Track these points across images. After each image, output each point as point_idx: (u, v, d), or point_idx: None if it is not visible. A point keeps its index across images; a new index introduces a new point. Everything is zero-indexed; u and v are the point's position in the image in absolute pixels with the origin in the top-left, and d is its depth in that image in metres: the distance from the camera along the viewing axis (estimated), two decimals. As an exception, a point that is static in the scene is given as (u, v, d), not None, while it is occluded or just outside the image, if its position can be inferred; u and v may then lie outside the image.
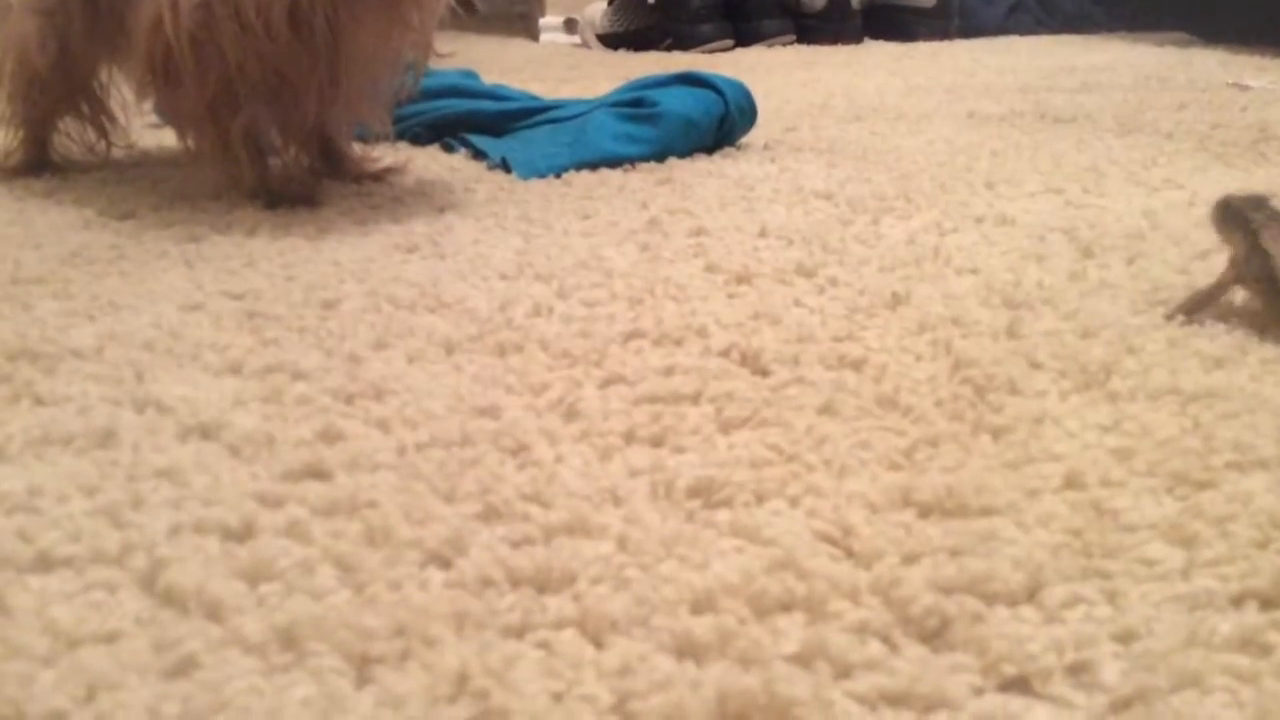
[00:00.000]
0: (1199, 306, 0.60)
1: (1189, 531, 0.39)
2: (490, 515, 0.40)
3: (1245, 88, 1.51)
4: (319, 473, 0.43)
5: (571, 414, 0.49)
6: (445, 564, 0.37)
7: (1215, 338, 0.57)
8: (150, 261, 0.73)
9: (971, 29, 2.50)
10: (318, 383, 0.52)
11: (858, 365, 0.54)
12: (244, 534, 0.39)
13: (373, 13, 0.81)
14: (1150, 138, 1.14)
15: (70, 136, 1.01)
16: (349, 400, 0.50)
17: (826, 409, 0.49)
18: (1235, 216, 0.60)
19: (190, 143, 0.87)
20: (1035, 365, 0.54)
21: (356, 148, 0.98)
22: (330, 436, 0.46)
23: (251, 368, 0.54)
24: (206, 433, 0.47)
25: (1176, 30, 2.34)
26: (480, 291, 0.66)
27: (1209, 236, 0.75)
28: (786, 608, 0.35)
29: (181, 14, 0.77)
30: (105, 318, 0.62)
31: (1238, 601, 0.35)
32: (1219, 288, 0.60)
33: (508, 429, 0.47)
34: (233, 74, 0.80)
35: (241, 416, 0.49)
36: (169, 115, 0.94)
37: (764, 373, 0.54)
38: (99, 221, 0.84)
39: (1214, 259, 0.70)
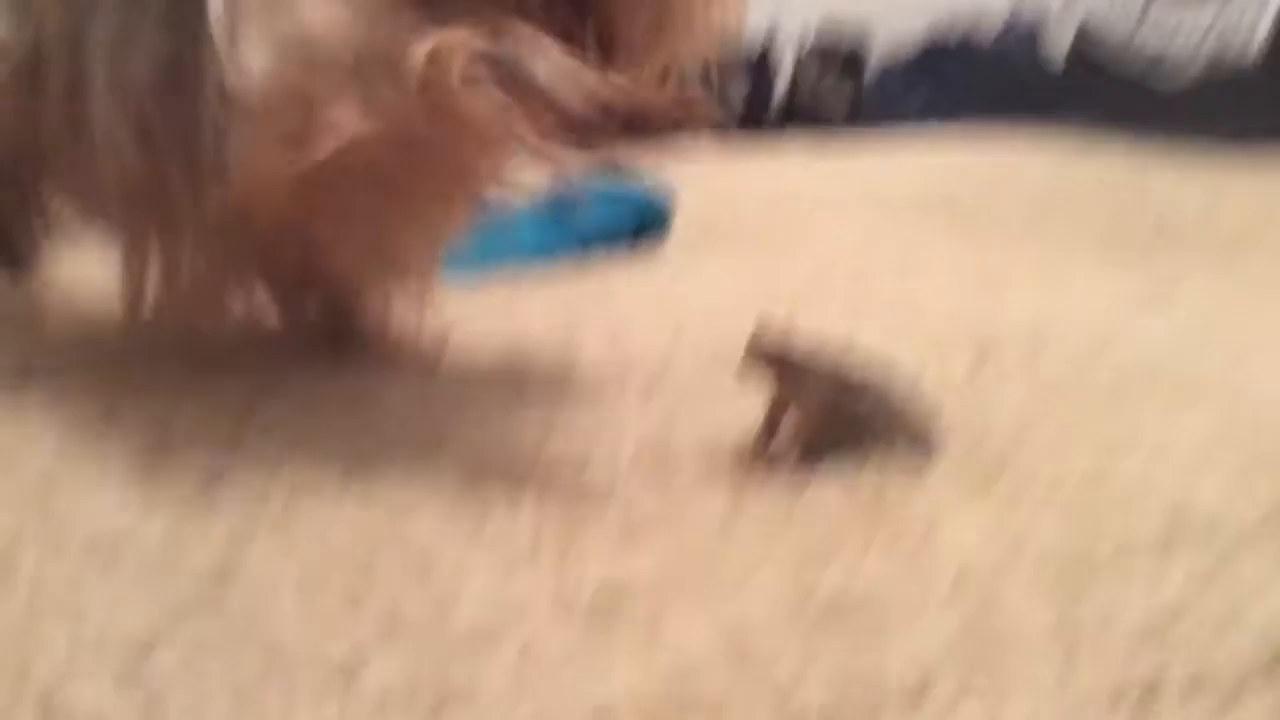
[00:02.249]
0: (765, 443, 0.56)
1: (1075, 624, 0.40)
2: (392, 631, 0.41)
3: (1145, 183, 1.57)
4: (222, 588, 0.43)
5: (480, 524, 0.50)
6: (347, 681, 0.38)
7: (1105, 429, 0.59)
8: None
9: (888, 121, 2.58)
10: (230, 492, 0.52)
11: (760, 469, 0.55)
12: (144, 654, 0.39)
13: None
14: (1051, 234, 1.18)
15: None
16: (262, 503, 0.50)
17: (733, 510, 0.50)
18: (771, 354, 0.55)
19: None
20: (932, 460, 0.55)
21: None
22: (237, 549, 0.46)
23: (164, 474, 0.54)
24: (109, 547, 0.47)
25: (1081, 128, 2.44)
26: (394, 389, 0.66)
27: (1105, 329, 0.78)
28: (686, 715, 0.36)
29: None
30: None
31: (1117, 697, 0.36)
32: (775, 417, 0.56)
33: (415, 541, 0.47)
34: None
35: (147, 528, 0.48)
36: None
37: (675, 473, 0.55)
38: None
39: (1109, 353, 0.73)
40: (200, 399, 0.67)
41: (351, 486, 0.54)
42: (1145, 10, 2.16)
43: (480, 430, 0.61)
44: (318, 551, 0.47)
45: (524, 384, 0.69)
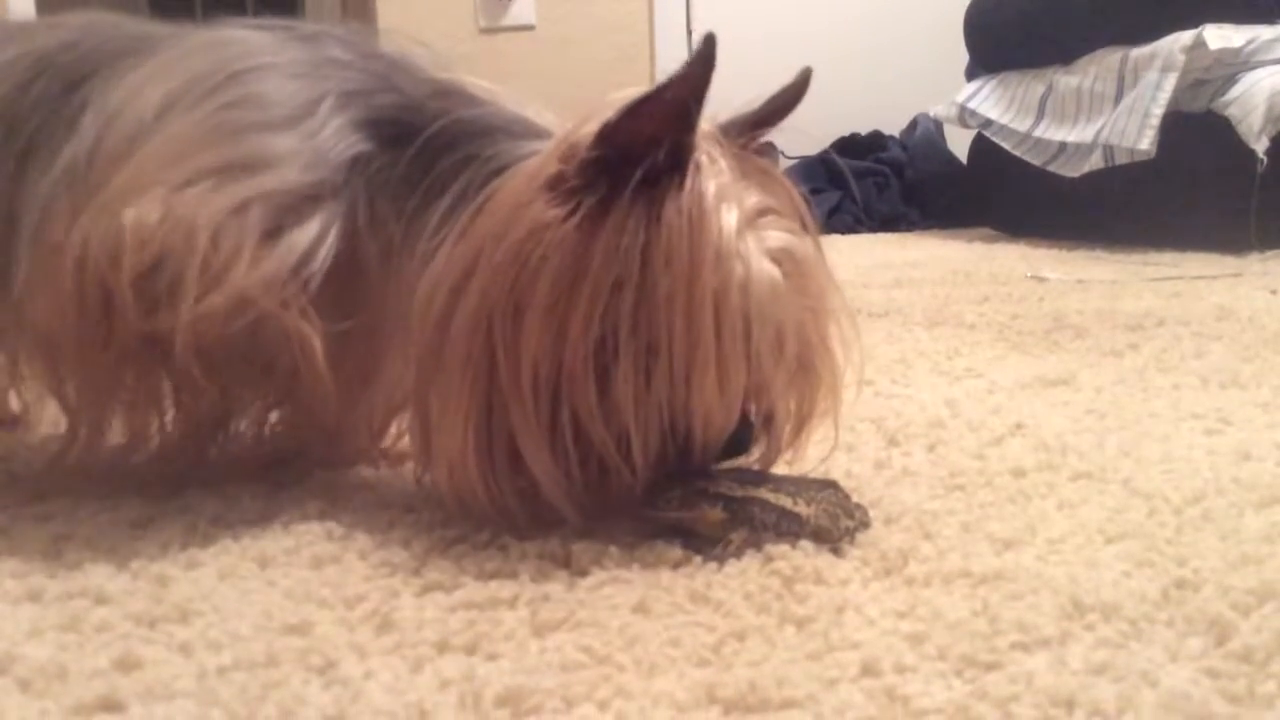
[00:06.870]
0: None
1: (974, 714, 0.40)
2: (291, 737, 0.40)
3: (1043, 279, 1.64)
4: (112, 705, 0.42)
5: (385, 625, 0.49)
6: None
7: (1005, 519, 0.60)
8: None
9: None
10: (120, 607, 0.51)
11: (673, 562, 0.55)
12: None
13: None
14: (955, 329, 1.22)
15: None
16: (151, 625, 0.49)
17: (640, 607, 0.50)
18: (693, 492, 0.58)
19: None
20: (840, 554, 0.56)
21: None
22: (127, 665, 0.45)
23: (52, 594, 0.52)
24: (-3, 667, 0.45)
25: (984, 227, 2.53)
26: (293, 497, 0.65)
27: (1004, 422, 0.80)
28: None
29: None
30: (-104, 547, 0.59)
31: (1018, 780, 0.37)
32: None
33: (316, 646, 0.46)
34: None
35: (35, 648, 0.47)
36: None
37: (582, 573, 0.55)
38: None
39: (1008, 444, 0.75)
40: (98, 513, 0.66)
41: (252, 590, 0.53)
42: (1035, 123, 2.27)
43: (388, 529, 0.60)
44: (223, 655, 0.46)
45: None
